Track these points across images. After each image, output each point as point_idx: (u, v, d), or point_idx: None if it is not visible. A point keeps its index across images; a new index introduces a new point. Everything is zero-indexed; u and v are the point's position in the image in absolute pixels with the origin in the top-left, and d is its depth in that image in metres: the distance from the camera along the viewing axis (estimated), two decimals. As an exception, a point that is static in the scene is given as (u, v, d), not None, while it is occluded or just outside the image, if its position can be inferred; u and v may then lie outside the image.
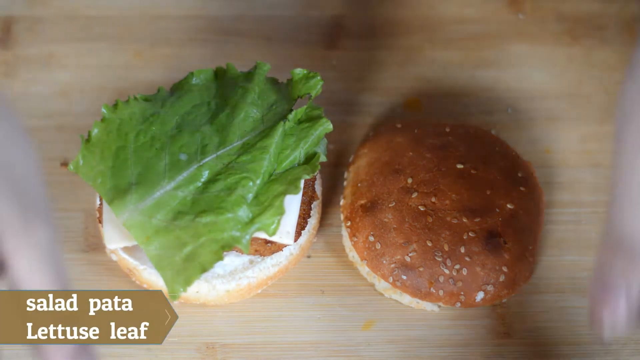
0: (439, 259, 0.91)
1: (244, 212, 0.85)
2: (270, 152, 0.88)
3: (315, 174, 0.91)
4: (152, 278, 0.92)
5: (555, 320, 0.95)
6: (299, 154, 0.90)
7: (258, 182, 0.87)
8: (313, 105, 0.92)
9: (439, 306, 0.95)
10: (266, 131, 0.90)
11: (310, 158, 0.90)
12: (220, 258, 0.84)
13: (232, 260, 0.92)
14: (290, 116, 0.90)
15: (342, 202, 0.97)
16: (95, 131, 0.89)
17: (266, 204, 0.86)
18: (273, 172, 0.89)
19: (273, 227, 0.85)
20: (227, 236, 0.84)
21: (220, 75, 0.96)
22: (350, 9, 1.14)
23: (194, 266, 0.84)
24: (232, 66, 0.96)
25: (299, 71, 0.93)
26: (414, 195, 0.93)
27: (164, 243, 0.85)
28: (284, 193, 0.86)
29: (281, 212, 0.85)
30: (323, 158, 0.90)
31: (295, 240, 0.90)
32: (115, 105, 0.91)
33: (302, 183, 0.91)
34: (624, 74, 0.76)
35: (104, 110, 0.90)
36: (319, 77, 0.92)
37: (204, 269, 0.84)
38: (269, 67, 0.95)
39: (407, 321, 0.94)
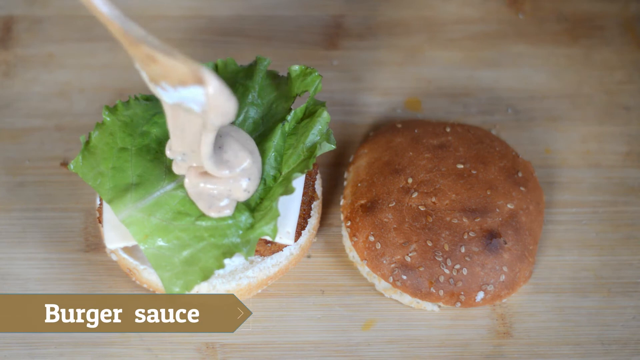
0: (439, 259, 0.91)
1: (244, 218, 0.85)
2: (270, 155, 0.88)
3: (310, 170, 0.89)
4: (152, 278, 0.91)
5: (555, 320, 0.95)
6: (302, 150, 0.88)
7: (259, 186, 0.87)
8: (316, 101, 0.91)
9: (439, 306, 0.95)
10: (266, 132, 0.89)
11: (311, 154, 0.89)
12: (222, 266, 0.83)
13: (232, 260, 0.92)
14: (289, 117, 0.89)
15: (342, 202, 0.97)
16: (96, 133, 0.89)
17: (268, 208, 0.85)
18: (278, 174, 0.88)
19: (272, 230, 0.84)
20: (228, 242, 0.84)
21: (220, 70, 0.95)
22: (350, 9, 1.13)
23: (194, 271, 0.84)
24: (232, 61, 0.95)
25: (297, 68, 0.92)
26: (414, 195, 0.93)
27: (163, 242, 0.85)
28: (280, 195, 0.86)
29: (276, 214, 0.84)
30: (331, 147, 0.88)
31: (296, 241, 0.90)
32: (116, 107, 0.90)
33: (302, 182, 0.91)
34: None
35: (104, 112, 0.90)
36: (316, 73, 0.91)
37: (205, 277, 0.83)
38: (270, 62, 0.94)
39: (407, 321, 0.94)
